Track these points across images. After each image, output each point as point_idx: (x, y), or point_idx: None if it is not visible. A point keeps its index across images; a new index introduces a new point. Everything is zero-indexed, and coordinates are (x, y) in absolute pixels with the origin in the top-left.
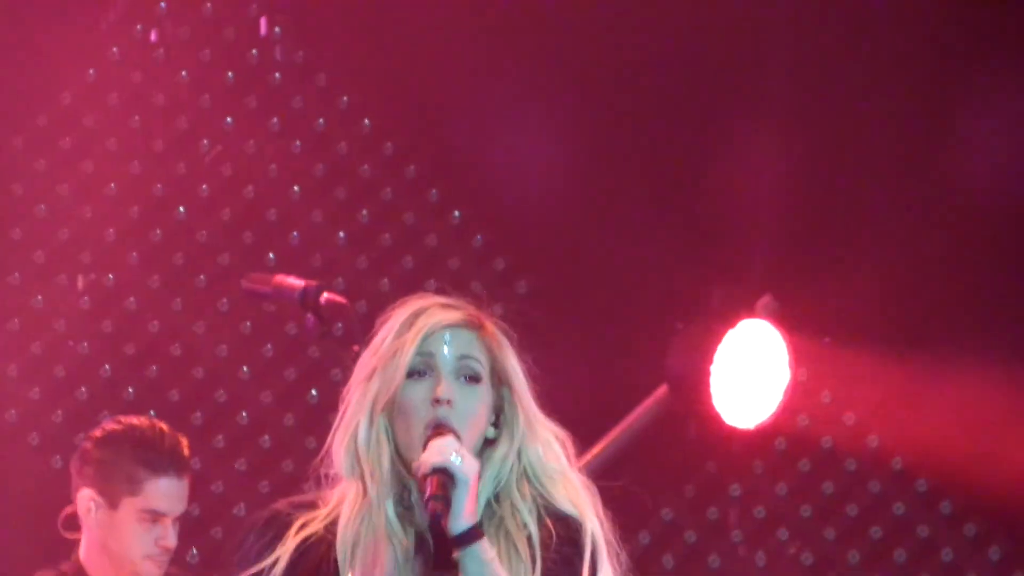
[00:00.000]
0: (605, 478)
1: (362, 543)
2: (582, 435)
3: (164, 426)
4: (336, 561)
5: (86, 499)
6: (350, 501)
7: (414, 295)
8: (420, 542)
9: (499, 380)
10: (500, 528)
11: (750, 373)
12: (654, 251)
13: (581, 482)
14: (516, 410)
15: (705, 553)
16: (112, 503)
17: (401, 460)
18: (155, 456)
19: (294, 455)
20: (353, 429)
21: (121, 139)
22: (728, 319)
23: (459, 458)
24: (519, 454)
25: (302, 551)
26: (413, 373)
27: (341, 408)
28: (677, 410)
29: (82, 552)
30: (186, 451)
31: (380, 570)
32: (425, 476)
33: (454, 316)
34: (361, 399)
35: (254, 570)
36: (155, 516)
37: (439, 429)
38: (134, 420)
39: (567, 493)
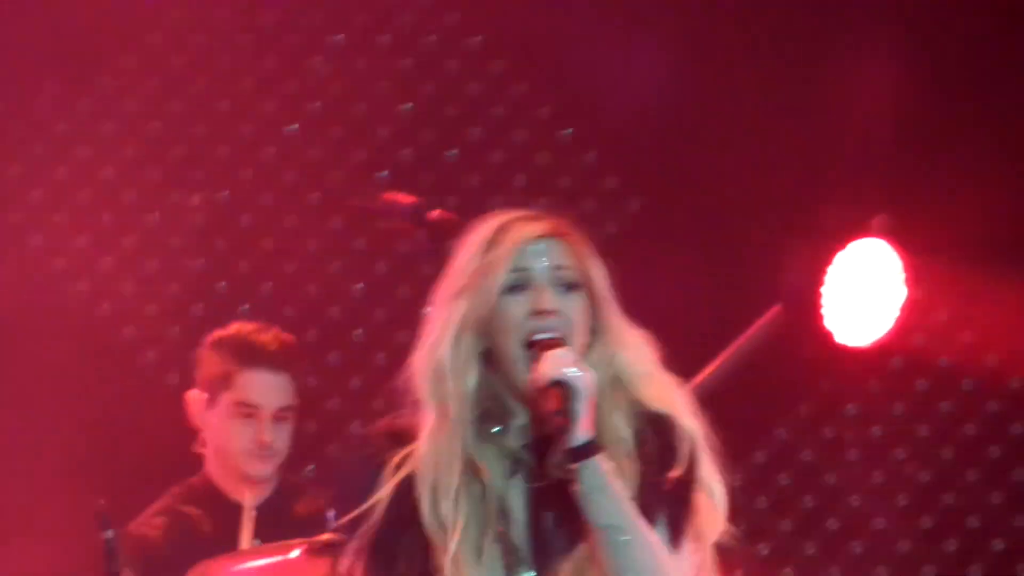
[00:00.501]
0: (719, 397)
1: (443, 476)
2: (696, 354)
3: (268, 327)
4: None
5: (192, 400)
6: (429, 431)
7: (489, 214)
8: (513, 464)
9: (587, 286)
10: (599, 436)
11: (865, 292)
12: (768, 170)
13: (673, 382)
14: (606, 315)
15: (821, 472)
16: (212, 400)
17: (493, 380)
18: (246, 349)
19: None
20: (436, 350)
21: (233, 56)
22: (843, 237)
23: (577, 369)
24: (611, 359)
25: (401, 493)
26: (508, 289)
27: (422, 330)
28: (791, 329)
29: (206, 462)
30: (285, 347)
31: (466, 502)
32: (542, 389)
33: (542, 226)
34: (447, 319)
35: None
36: (249, 408)
37: (549, 341)
38: (241, 324)
39: (659, 394)
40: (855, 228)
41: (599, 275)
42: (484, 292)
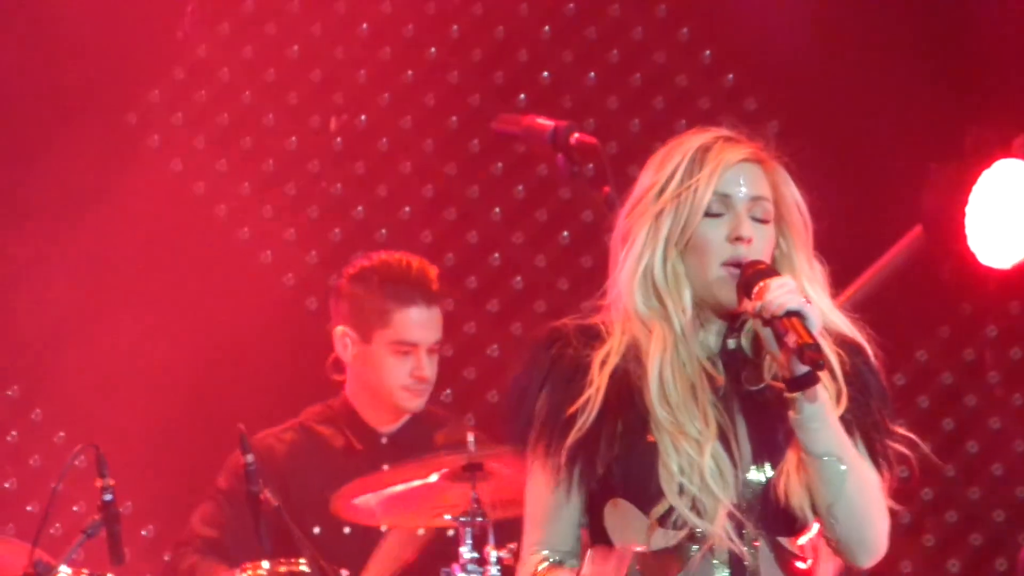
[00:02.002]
0: (860, 318)
1: (674, 381)
2: (836, 275)
3: (413, 259)
4: (645, 397)
5: (341, 335)
6: (657, 337)
7: (692, 130)
8: (730, 378)
9: (780, 216)
10: None
11: (1006, 213)
12: (908, 90)
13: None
14: (799, 246)
15: (961, 394)
16: (365, 337)
17: (700, 297)
18: (403, 287)
19: (546, 296)
20: (647, 263)
21: None
22: (984, 158)
23: (806, 300)
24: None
25: (610, 387)
26: (708, 213)
27: (620, 243)
28: (932, 251)
29: (348, 388)
30: (435, 282)
31: (696, 407)
32: (776, 317)
33: (743, 152)
34: (652, 235)
35: (569, 412)
36: (407, 346)
37: (765, 268)
38: (383, 255)
39: (846, 326)
40: (998, 148)
41: (797, 205)
42: (687, 211)
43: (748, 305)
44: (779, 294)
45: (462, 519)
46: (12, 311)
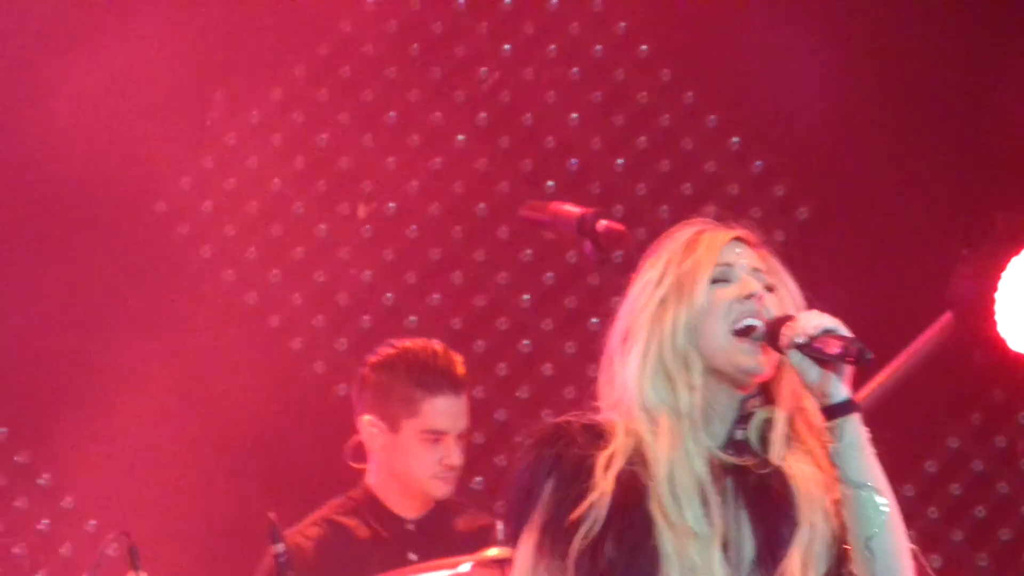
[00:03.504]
0: (889, 406)
1: (683, 478)
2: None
3: (438, 346)
4: (651, 500)
5: (367, 425)
6: (663, 432)
7: (677, 225)
8: (735, 472)
9: (781, 290)
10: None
11: None
12: (936, 175)
13: None
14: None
15: (993, 481)
16: (393, 426)
17: (711, 375)
18: (429, 376)
19: (575, 382)
20: (655, 350)
21: (400, 68)
22: (1014, 243)
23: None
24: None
25: (616, 490)
26: (713, 282)
27: (620, 343)
28: (962, 337)
29: (370, 478)
30: (460, 369)
31: (703, 506)
32: (813, 338)
33: (737, 231)
34: (658, 321)
35: (574, 515)
36: (436, 435)
37: (781, 316)
38: (408, 343)
39: None
40: None
41: (790, 280)
42: (694, 288)
43: (782, 340)
44: (811, 318)
45: None
46: (42, 399)
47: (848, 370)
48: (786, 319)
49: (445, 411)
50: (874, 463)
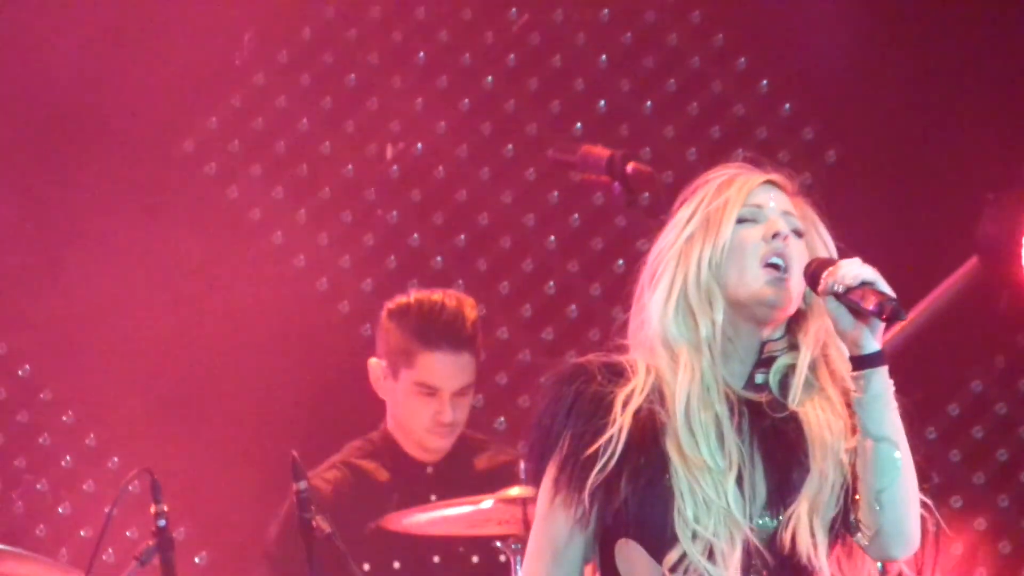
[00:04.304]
0: (914, 349)
1: (700, 411)
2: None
3: (452, 299)
4: (667, 437)
5: (374, 367)
6: (684, 366)
7: (714, 168)
8: (752, 413)
9: (811, 234)
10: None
11: None
12: (965, 119)
13: None
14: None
15: (1016, 424)
16: (394, 373)
17: (731, 315)
18: (430, 329)
19: (600, 324)
20: (680, 285)
21: (429, 8)
22: None
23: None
24: None
25: (633, 426)
26: (740, 222)
27: (649, 279)
28: (987, 281)
29: (389, 421)
30: (468, 327)
31: (719, 441)
32: (851, 289)
33: (772, 175)
34: (684, 258)
35: (591, 450)
36: (429, 390)
37: (824, 259)
38: (424, 293)
39: None
40: None
41: (823, 228)
42: (720, 226)
43: (821, 285)
44: (851, 268)
45: (513, 546)
46: (68, 338)
47: (881, 324)
48: (828, 263)
49: (440, 367)
50: (895, 417)
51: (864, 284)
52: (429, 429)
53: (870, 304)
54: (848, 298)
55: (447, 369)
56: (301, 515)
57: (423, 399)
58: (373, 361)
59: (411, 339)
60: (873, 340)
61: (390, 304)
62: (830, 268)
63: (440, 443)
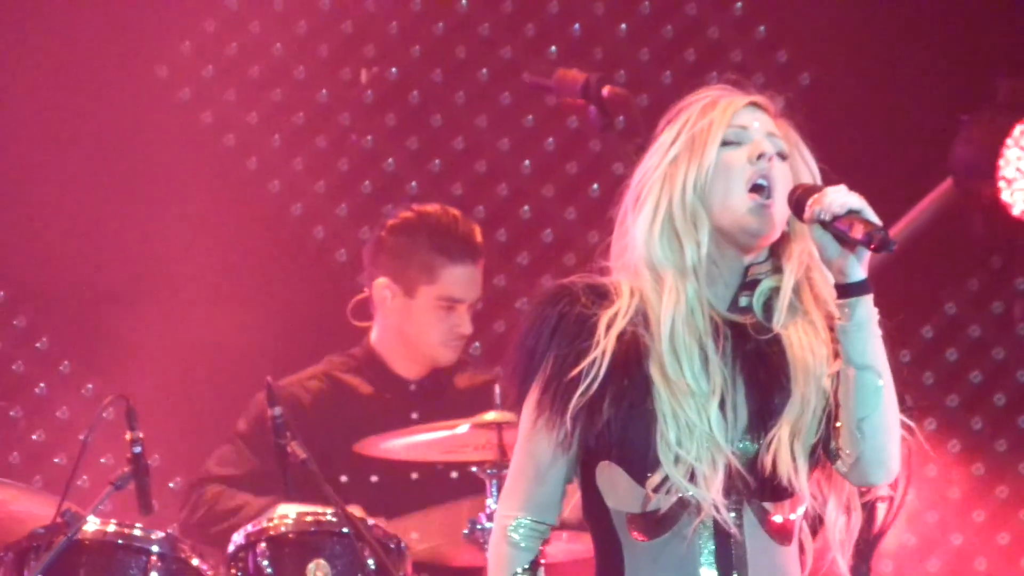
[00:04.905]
0: (888, 271)
1: (684, 334)
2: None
3: (457, 213)
4: (650, 360)
5: (381, 287)
6: (669, 288)
7: (699, 89)
8: (735, 336)
9: (795, 155)
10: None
11: None
12: (938, 41)
13: None
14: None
15: (989, 347)
16: (408, 290)
17: (717, 237)
18: (451, 243)
19: (576, 249)
20: (665, 207)
21: None
22: (1016, 110)
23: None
24: None
25: (616, 348)
26: (725, 143)
27: (632, 202)
28: (962, 203)
29: (374, 336)
30: (479, 237)
31: (702, 363)
32: (837, 217)
33: (753, 96)
34: (669, 180)
35: (574, 372)
36: (451, 303)
37: (809, 186)
38: (427, 208)
39: None
40: None
41: (807, 151)
42: (705, 148)
43: (806, 213)
44: (838, 196)
45: (489, 471)
46: (41, 261)
47: (867, 253)
48: (813, 189)
49: (463, 279)
50: (878, 345)
51: (851, 212)
52: (445, 343)
53: (858, 233)
54: (835, 227)
55: (469, 281)
56: (276, 441)
57: (443, 313)
58: (381, 281)
59: (432, 254)
60: (859, 268)
61: (391, 221)
62: (816, 195)
63: (451, 356)
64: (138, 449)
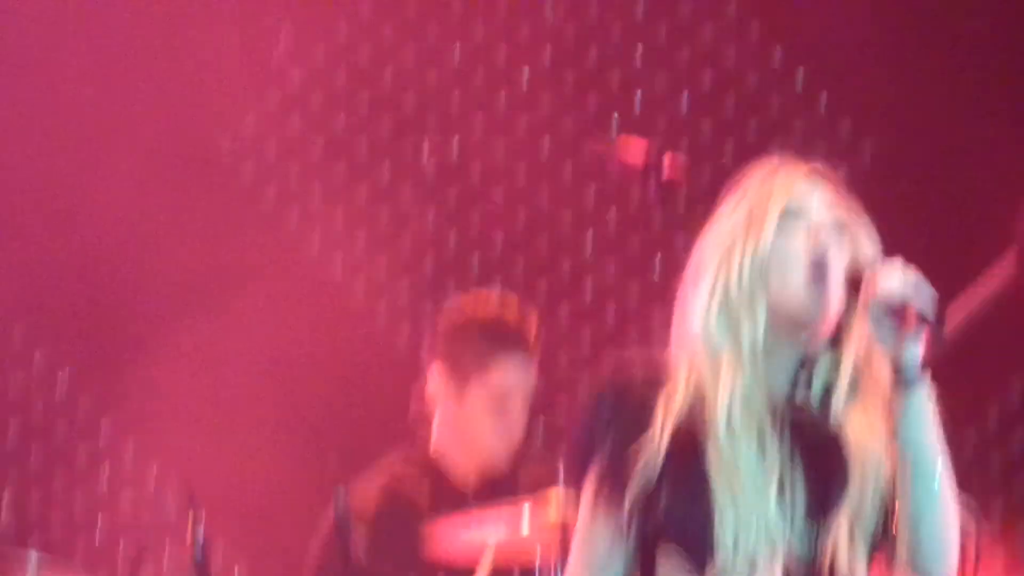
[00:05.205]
0: (953, 347)
1: (742, 417)
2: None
3: (512, 300)
4: (708, 443)
5: (436, 374)
6: (726, 369)
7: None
8: (794, 420)
9: (855, 228)
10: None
11: None
12: (1005, 108)
13: None
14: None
15: None
16: (461, 380)
17: (775, 316)
18: (503, 333)
19: (637, 326)
20: (722, 284)
21: (464, 6)
22: None
23: (924, 286)
24: None
25: (674, 434)
26: (783, 218)
27: (691, 274)
28: None
29: (434, 428)
30: (534, 327)
31: (760, 449)
32: (889, 305)
33: (808, 168)
34: (726, 257)
35: (631, 463)
36: (503, 393)
37: (863, 266)
38: (484, 296)
39: None
40: None
41: (866, 218)
42: (763, 223)
43: (860, 297)
44: (890, 281)
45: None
46: (108, 341)
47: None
48: (869, 271)
49: (515, 370)
50: (934, 436)
51: (903, 299)
52: (500, 437)
53: (910, 325)
54: (887, 313)
55: (521, 372)
56: (340, 546)
57: (495, 403)
58: (435, 367)
59: (484, 343)
60: (914, 354)
61: (448, 307)
62: (870, 277)
63: (504, 453)
64: (200, 539)
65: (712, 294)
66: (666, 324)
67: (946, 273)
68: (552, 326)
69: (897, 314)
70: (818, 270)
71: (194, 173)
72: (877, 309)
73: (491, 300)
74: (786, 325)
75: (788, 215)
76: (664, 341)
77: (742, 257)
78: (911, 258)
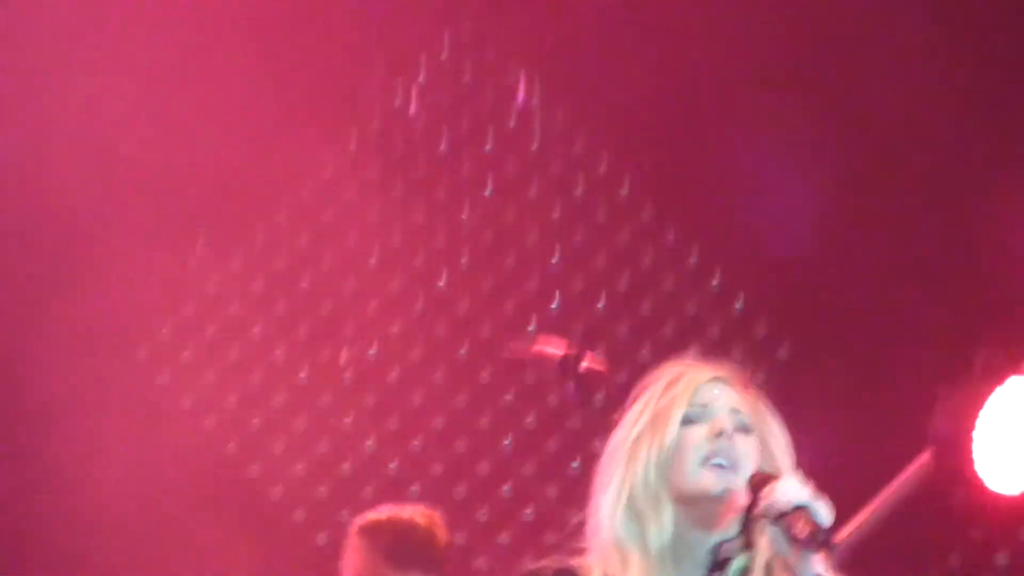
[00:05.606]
0: (869, 546)
1: None
2: (845, 502)
3: (424, 520)
4: None
5: None
6: (634, 572)
7: (668, 363)
8: None
9: (761, 430)
10: None
11: (1019, 436)
12: (916, 314)
13: None
14: (779, 459)
15: None
16: None
17: (680, 513)
18: (401, 552)
19: (556, 528)
20: (629, 486)
21: (383, 209)
22: (994, 380)
23: (816, 496)
24: None
25: None
26: (687, 421)
27: (601, 476)
28: (941, 476)
29: None
30: (440, 547)
31: None
32: (784, 514)
33: (719, 371)
34: (631, 460)
35: None
36: None
37: (765, 475)
38: (397, 511)
39: None
40: (1008, 369)
41: (775, 423)
42: (666, 425)
43: (757, 507)
44: (786, 491)
45: None
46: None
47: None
48: (767, 480)
49: None
50: None
51: (798, 509)
52: None
53: (802, 533)
54: (781, 524)
55: None
56: None
57: None
58: None
59: (383, 560)
60: (811, 565)
61: (360, 520)
62: (766, 488)
63: None
64: None
65: (619, 495)
66: (582, 528)
67: (865, 471)
68: (471, 530)
69: (789, 524)
70: (717, 455)
71: (112, 377)
72: (772, 515)
73: (401, 517)
74: (694, 517)
75: (691, 418)
76: (580, 545)
77: (647, 460)
78: (831, 458)
